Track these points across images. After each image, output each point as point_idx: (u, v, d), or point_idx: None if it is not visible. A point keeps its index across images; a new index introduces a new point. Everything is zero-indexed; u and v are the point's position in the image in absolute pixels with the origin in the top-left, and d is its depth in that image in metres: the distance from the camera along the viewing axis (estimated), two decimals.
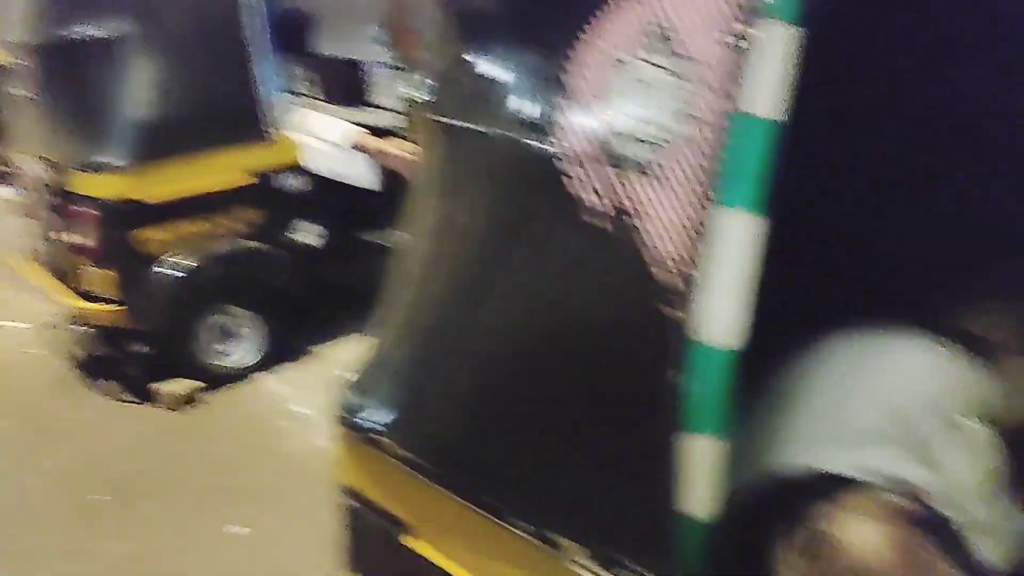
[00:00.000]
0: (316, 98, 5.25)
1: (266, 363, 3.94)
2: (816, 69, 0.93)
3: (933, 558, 0.90)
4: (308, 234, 3.99)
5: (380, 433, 1.34)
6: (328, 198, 4.01)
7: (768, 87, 0.91)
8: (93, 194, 3.51)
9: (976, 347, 1.17)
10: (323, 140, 3.98)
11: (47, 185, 3.75)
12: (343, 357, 3.98)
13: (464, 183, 1.34)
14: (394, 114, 5.03)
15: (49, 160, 3.73)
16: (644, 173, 1.00)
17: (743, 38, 0.92)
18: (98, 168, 3.47)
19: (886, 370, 1.13)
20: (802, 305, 1.14)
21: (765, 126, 0.91)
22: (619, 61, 1.03)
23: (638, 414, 1.02)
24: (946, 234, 1.35)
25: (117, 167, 3.46)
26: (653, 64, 0.99)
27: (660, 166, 0.98)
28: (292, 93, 5.30)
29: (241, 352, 3.88)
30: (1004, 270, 1.29)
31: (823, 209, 1.30)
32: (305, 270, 3.94)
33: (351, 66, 4.95)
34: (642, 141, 1.00)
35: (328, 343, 4.10)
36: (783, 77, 0.91)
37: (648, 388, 0.99)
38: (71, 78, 3.55)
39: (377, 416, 1.35)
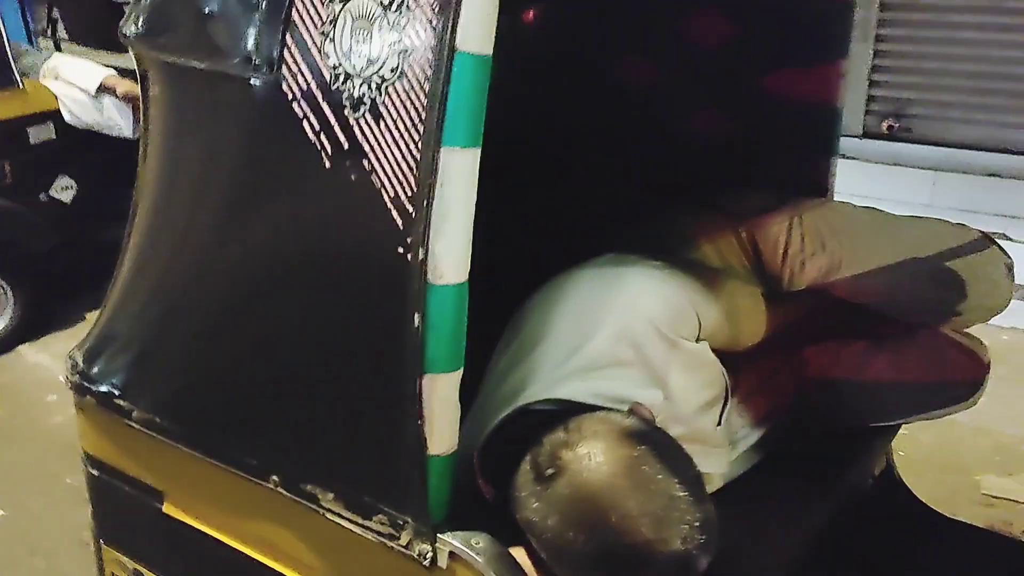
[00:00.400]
0: (71, 40, 4.82)
1: (26, 332, 3.61)
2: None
3: (654, 473, 0.96)
4: (61, 190, 3.67)
5: (117, 397, 1.25)
6: (80, 150, 3.68)
7: (479, 24, 0.90)
8: None
9: (696, 272, 1.26)
10: (73, 85, 3.64)
11: None
12: None
13: (184, 124, 1.26)
14: None
15: None
16: (370, 113, 0.98)
17: None
18: None
19: (616, 299, 1.19)
20: (532, 242, 1.17)
21: (477, 62, 0.91)
22: None
23: (379, 357, 1.01)
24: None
25: None
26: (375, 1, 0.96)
27: (386, 105, 0.96)
28: (45, 36, 4.83)
29: None
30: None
31: (540, 144, 1.34)
32: (61, 228, 3.62)
33: (101, 5, 4.55)
34: (366, 80, 0.98)
35: (96, 308, 3.81)
36: (492, 14, 0.91)
37: (385, 330, 0.98)
38: None
39: (113, 378, 1.27)
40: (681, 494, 0.96)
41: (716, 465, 1.29)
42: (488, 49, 0.91)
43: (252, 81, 1.08)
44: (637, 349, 1.15)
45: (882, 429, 1.66)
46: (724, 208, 1.39)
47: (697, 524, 0.95)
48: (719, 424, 1.31)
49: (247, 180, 1.14)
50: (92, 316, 3.71)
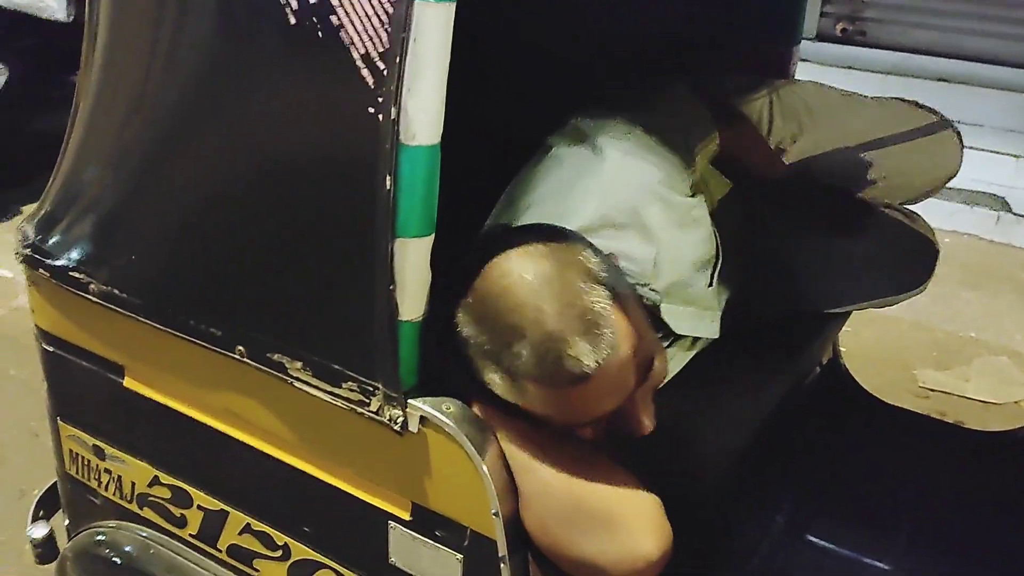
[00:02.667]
0: None
1: None
2: None
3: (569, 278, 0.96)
4: None
5: (75, 270, 1.21)
6: (9, 34, 3.48)
7: None
8: None
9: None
10: None
11: None
12: None
13: None
14: None
15: None
16: None
17: None
18: None
19: (601, 168, 1.17)
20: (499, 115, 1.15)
21: None
22: None
23: (349, 222, 0.99)
24: None
25: None
26: None
27: None
28: None
29: None
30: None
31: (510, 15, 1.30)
32: None
33: None
34: None
35: (32, 198, 3.67)
36: None
37: (357, 194, 0.96)
38: None
39: (69, 251, 1.22)
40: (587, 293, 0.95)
41: (710, 330, 1.30)
42: None
43: None
44: (632, 213, 1.15)
45: (831, 317, 1.70)
46: (697, 87, 1.38)
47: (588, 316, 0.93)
48: (710, 285, 1.32)
49: (210, 44, 1.09)
50: (27, 209, 3.62)
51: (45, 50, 3.62)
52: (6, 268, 3.31)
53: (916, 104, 1.52)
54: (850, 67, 3.71)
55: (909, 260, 1.61)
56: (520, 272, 0.97)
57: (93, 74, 1.30)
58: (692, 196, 1.27)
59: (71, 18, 3.53)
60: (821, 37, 3.78)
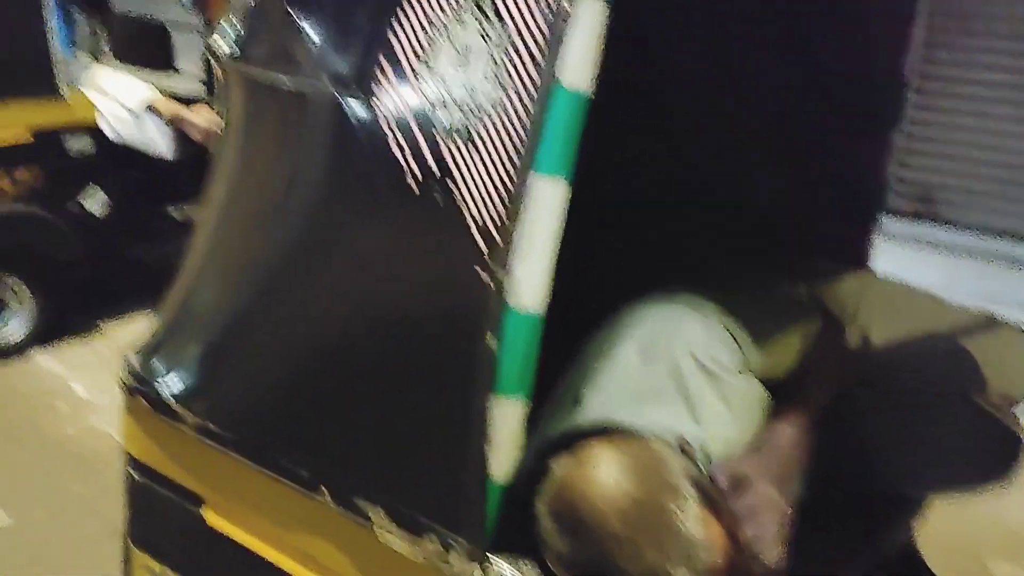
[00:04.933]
0: (113, 56, 4.90)
1: (41, 339, 3.61)
2: (623, 44, 0.98)
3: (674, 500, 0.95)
4: (92, 201, 3.70)
5: (174, 401, 1.26)
6: (117, 164, 3.73)
7: (579, 59, 0.94)
8: None
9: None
10: (116, 101, 3.70)
11: None
12: (130, 335, 3.75)
13: (273, 139, 1.29)
14: (196, 80, 4.79)
15: None
16: (462, 137, 1.00)
17: (559, 12, 0.94)
18: None
19: (661, 332, 1.19)
20: (603, 272, 1.19)
21: (576, 97, 0.95)
22: (441, 25, 1.02)
23: (448, 377, 1.03)
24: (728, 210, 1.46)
25: None
26: (473, 30, 1.00)
27: (477, 131, 0.99)
28: (86, 49, 4.91)
29: (12, 326, 3.53)
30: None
31: (623, 179, 1.37)
32: (88, 240, 3.64)
33: (153, 26, 4.64)
34: (460, 105, 1.01)
35: (114, 320, 3.83)
36: (593, 50, 0.95)
37: (459, 351, 1.00)
38: None
39: (170, 383, 1.27)
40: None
41: None
42: (587, 85, 0.94)
43: (343, 101, 1.12)
44: (679, 380, 1.16)
45: (910, 502, 1.66)
46: (783, 267, 1.42)
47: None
48: None
49: (329, 196, 1.16)
50: (106, 328, 3.76)
51: (148, 183, 3.86)
52: (82, 387, 3.40)
53: (983, 311, 1.53)
54: (920, 244, 3.74)
55: (995, 452, 1.57)
56: (610, 498, 0.94)
57: (210, 217, 1.39)
58: (756, 377, 1.28)
59: (175, 157, 3.79)
60: (892, 212, 3.83)
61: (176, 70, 4.62)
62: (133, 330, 3.79)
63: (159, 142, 3.77)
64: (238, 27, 1.36)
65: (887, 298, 1.62)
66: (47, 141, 3.45)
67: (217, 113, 3.83)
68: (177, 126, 3.78)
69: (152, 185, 3.89)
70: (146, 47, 4.69)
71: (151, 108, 3.74)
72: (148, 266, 4.27)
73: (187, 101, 4.02)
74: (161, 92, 3.88)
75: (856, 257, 1.77)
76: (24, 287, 3.51)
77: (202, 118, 3.80)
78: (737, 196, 1.69)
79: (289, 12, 1.23)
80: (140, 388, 1.31)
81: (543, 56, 0.95)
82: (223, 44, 1.38)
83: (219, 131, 3.91)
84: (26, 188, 3.42)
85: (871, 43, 1.61)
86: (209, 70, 4.72)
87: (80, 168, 3.58)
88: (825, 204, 1.73)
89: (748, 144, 1.68)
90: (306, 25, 1.20)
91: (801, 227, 1.71)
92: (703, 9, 1.57)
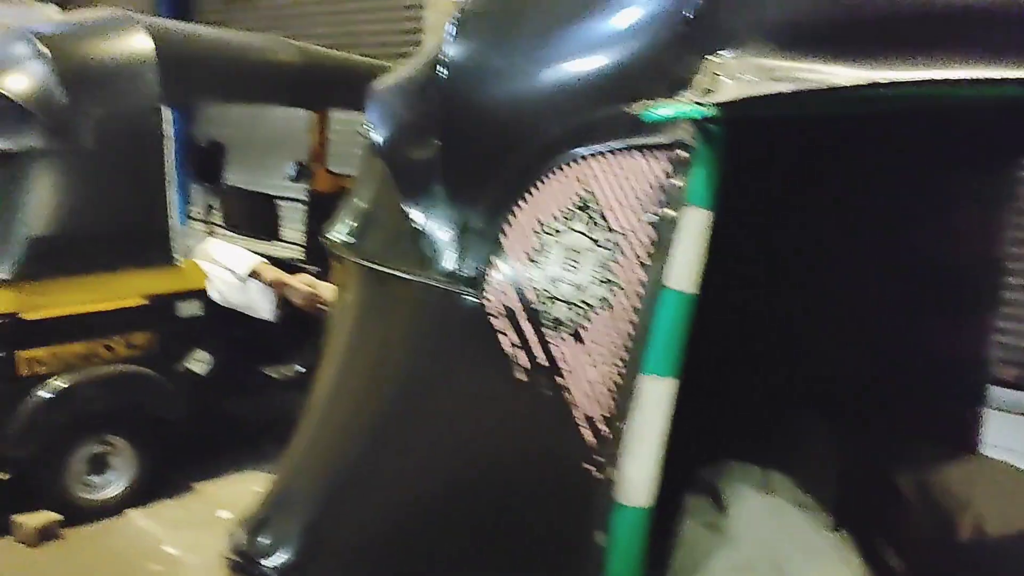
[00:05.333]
0: (223, 226, 5.26)
1: (138, 497, 3.71)
2: (726, 246, 1.02)
3: None
4: (197, 362, 3.87)
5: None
6: (221, 326, 3.92)
7: (686, 263, 0.99)
8: None
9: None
10: (223, 268, 3.94)
11: None
12: (224, 495, 3.82)
13: (385, 325, 1.36)
14: (299, 248, 5.07)
15: None
16: (571, 335, 1.05)
17: (664, 218, 1.00)
18: None
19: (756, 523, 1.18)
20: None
21: (683, 298, 0.99)
22: (552, 228, 1.09)
23: (558, 567, 1.02)
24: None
25: (2, 281, 3.30)
26: (581, 234, 1.06)
27: (586, 329, 1.03)
28: (199, 220, 5.29)
29: (112, 484, 3.64)
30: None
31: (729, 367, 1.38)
32: (190, 399, 3.79)
33: (261, 198, 4.98)
34: (570, 304, 1.06)
35: (208, 479, 3.91)
36: (699, 254, 0.99)
37: (566, 545, 1.00)
38: None
39: (277, 563, 1.30)
40: None
41: None
42: (694, 288, 0.98)
43: (453, 293, 1.18)
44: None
45: None
46: (888, 452, 1.39)
47: None
48: None
49: (438, 383, 1.21)
50: (200, 487, 3.84)
51: (248, 344, 4.04)
52: (175, 547, 3.45)
53: None
54: (1021, 413, 3.58)
55: None
56: None
57: (320, 397, 1.45)
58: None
59: (276, 319, 3.98)
60: (994, 382, 3.71)
61: (280, 239, 4.92)
62: (227, 490, 3.88)
63: (262, 306, 3.97)
64: (353, 219, 1.47)
65: (1001, 484, 1.56)
66: (160, 306, 3.66)
67: (314, 278, 4.02)
68: (279, 291, 4.00)
69: (253, 346, 4.07)
70: (253, 217, 5.03)
71: (255, 274, 3.96)
72: (245, 424, 4.42)
73: (289, 268, 4.26)
74: (265, 259, 4.13)
75: (964, 439, 1.72)
76: (128, 446, 3.64)
77: (303, 284, 4.00)
78: (836, 376, 1.68)
79: (403, 208, 1.33)
80: (246, 566, 1.34)
81: (649, 259, 0.99)
82: (339, 234, 1.49)
83: (319, 298, 4.08)
84: (139, 350, 3.61)
85: (967, 228, 1.63)
86: (310, 239, 5.02)
87: (189, 331, 3.76)
88: (926, 386, 1.71)
89: (844, 325, 1.69)
90: (420, 221, 1.29)
91: (904, 410, 1.68)
92: (800, 195, 1.63)
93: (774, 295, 1.74)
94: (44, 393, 3.35)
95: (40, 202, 3.36)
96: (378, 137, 1.38)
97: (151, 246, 3.61)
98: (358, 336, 1.41)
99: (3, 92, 3.35)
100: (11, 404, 3.30)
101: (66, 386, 3.39)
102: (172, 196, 3.65)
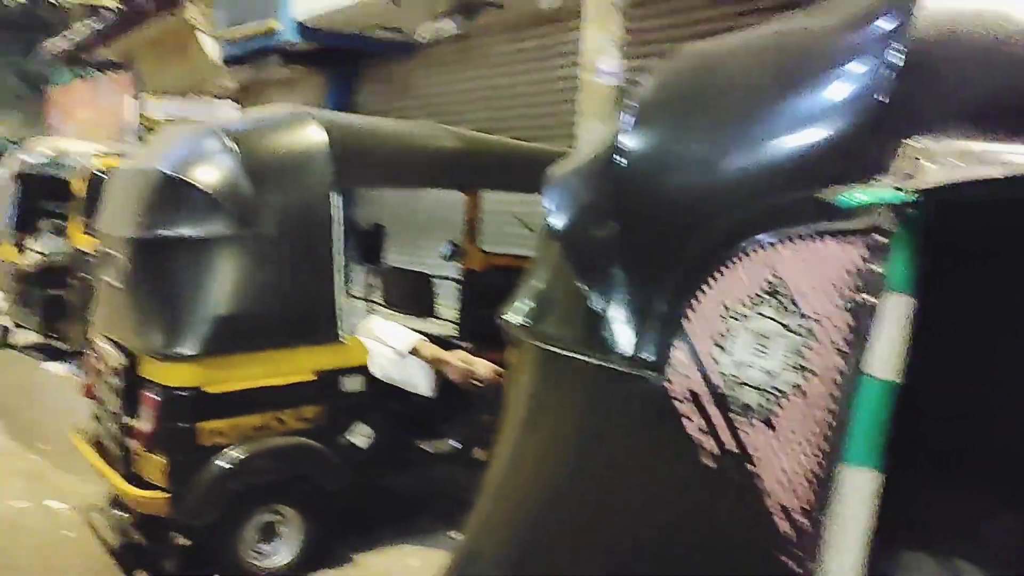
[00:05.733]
0: (382, 304, 5.50)
1: (303, 567, 3.84)
2: (929, 334, 0.99)
3: None
4: (359, 435, 4.01)
5: None
6: (381, 401, 4.06)
7: (888, 351, 0.96)
8: (159, 381, 3.59)
9: None
10: (384, 345, 4.11)
11: (115, 368, 3.86)
12: (382, 567, 3.90)
13: (563, 406, 1.37)
14: (453, 325, 5.23)
15: (122, 345, 3.87)
16: (762, 421, 1.03)
17: (862, 304, 0.98)
18: (169, 357, 3.57)
19: None
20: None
21: (885, 387, 0.96)
22: (739, 313, 1.09)
23: None
24: None
25: (187, 356, 3.56)
26: (772, 319, 1.06)
27: (779, 416, 1.02)
28: (360, 298, 5.56)
29: (280, 552, 3.79)
30: None
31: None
32: (352, 472, 3.92)
33: (418, 277, 5.20)
34: (760, 390, 1.04)
35: (368, 551, 4.01)
36: (902, 342, 0.96)
37: None
38: (158, 271, 3.74)
39: None
40: None
41: None
42: (896, 376, 0.95)
43: (633, 376, 1.19)
44: None
45: None
46: None
47: None
48: None
49: (616, 463, 1.21)
50: (359, 558, 3.94)
51: (407, 418, 4.17)
52: None
53: None
54: None
55: None
56: None
57: (496, 476, 1.48)
58: None
59: (434, 395, 4.10)
60: None
61: (436, 316, 5.11)
62: (384, 562, 3.97)
63: (420, 382, 4.11)
64: (530, 300, 1.52)
65: None
66: (327, 381, 3.84)
67: (469, 355, 4.12)
68: (437, 367, 4.12)
69: (411, 421, 4.20)
70: (411, 295, 5.25)
71: (414, 351, 4.11)
72: (402, 497, 4.53)
73: (445, 344, 4.39)
74: (420, 334, 4.28)
75: None
76: (296, 515, 3.80)
77: (459, 361, 4.11)
78: None
79: (580, 291, 1.36)
80: None
81: (847, 345, 0.97)
82: (516, 316, 1.53)
83: (474, 375, 4.19)
84: (307, 423, 3.79)
85: None
86: (463, 316, 5.17)
87: (352, 405, 3.92)
88: None
89: None
90: (598, 304, 1.32)
91: None
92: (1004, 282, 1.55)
93: (973, 382, 1.65)
94: (223, 463, 3.55)
95: (224, 284, 3.63)
96: (556, 221, 1.42)
97: (320, 324, 3.81)
98: (533, 417, 1.44)
99: (195, 183, 3.68)
100: (193, 473, 3.53)
101: (242, 456, 3.59)
102: (340, 277, 3.86)
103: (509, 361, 1.60)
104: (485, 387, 4.18)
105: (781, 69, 1.21)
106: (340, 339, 3.87)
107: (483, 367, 4.16)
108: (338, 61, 9.33)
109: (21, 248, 8.24)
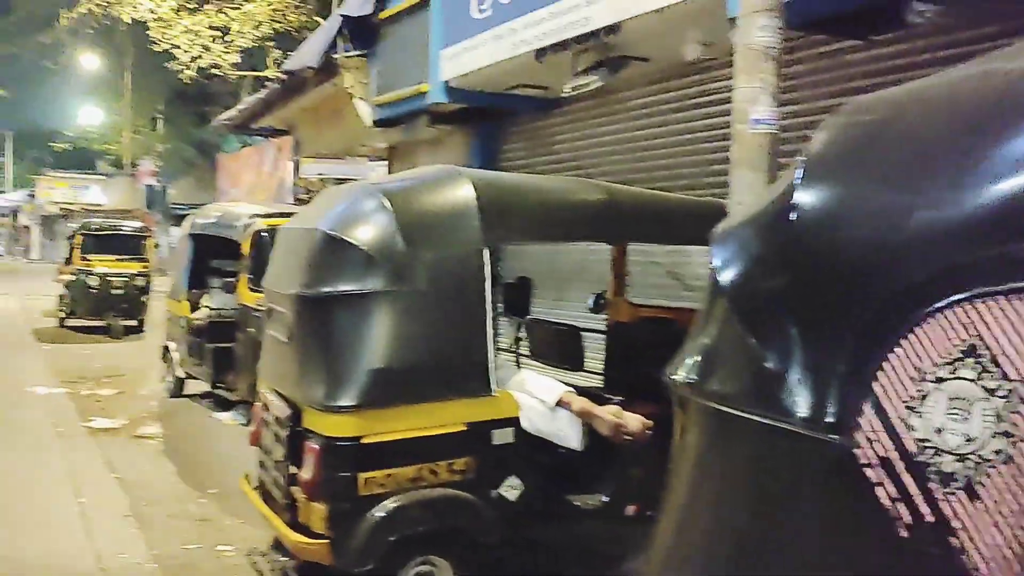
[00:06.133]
0: (529, 357, 5.55)
1: None
2: None
3: None
4: (509, 488, 4.03)
5: None
6: (532, 454, 4.07)
7: None
8: (321, 431, 3.74)
9: None
10: (533, 397, 4.13)
11: (279, 419, 4.06)
12: None
13: (732, 470, 1.33)
14: (599, 377, 5.21)
15: (286, 396, 4.07)
16: (962, 489, 0.97)
17: None
18: (330, 408, 3.72)
19: None
20: None
21: None
22: (932, 375, 1.03)
23: None
24: None
25: (347, 408, 3.70)
26: (971, 382, 0.99)
27: (984, 486, 0.95)
28: (507, 351, 5.63)
29: None
30: None
31: None
32: (502, 524, 3.93)
33: (565, 330, 5.22)
34: (960, 457, 0.98)
35: None
36: None
37: None
38: (319, 326, 3.92)
39: None
40: None
41: None
42: None
43: (814, 439, 1.14)
44: None
45: None
46: None
47: None
48: None
49: (794, 530, 1.16)
50: None
51: (555, 470, 4.16)
52: None
53: None
54: None
55: None
56: None
57: (665, 539, 1.45)
58: None
59: (584, 448, 4.07)
60: None
61: (584, 369, 5.10)
62: None
63: (569, 435, 4.09)
64: (697, 357, 1.49)
65: None
66: (478, 433, 3.89)
67: (618, 407, 4.08)
68: (586, 420, 4.10)
69: (560, 474, 4.18)
70: (559, 348, 5.26)
71: (564, 403, 4.10)
72: (550, 552, 4.50)
73: (595, 397, 4.37)
74: (567, 386, 4.27)
75: None
76: (449, 567, 3.84)
77: (610, 415, 4.07)
78: None
79: (752, 349, 1.32)
80: None
81: None
82: (682, 373, 1.51)
83: (625, 429, 4.14)
84: (458, 475, 3.84)
85: None
86: (609, 369, 5.15)
87: (502, 457, 3.95)
88: None
89: None
90: (771, 363, 1.28)
91: None
92: None
93: None
94: (380, 512, 3.65)
95: (381, 338, 3.76)
96: (725, 277, 1.40)
97: (472, 377, 3.88)
98: (700, 480, 1.41)
99: (353, 242, 3.85)
100: (352, 521, 3.64)
101: (398, 506, 3.67)
102: (491, 330, 3.93)
103: (673, 418, 1.58)
104: (635, 441, 4.13)
105: (969, 117, 1.15)
106: (491, 392, 3.92)
107: (634, 421, 4.11)
108: (482, 119, 9.62)
109: (194, 304, 8.87)
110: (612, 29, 6.07)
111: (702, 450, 1.42)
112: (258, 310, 6.26)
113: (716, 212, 4.76)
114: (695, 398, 1.44)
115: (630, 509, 4.27)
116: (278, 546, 4.29)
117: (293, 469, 3.89)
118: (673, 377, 1.53)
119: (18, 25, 24.33)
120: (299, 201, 17.41)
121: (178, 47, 19.24)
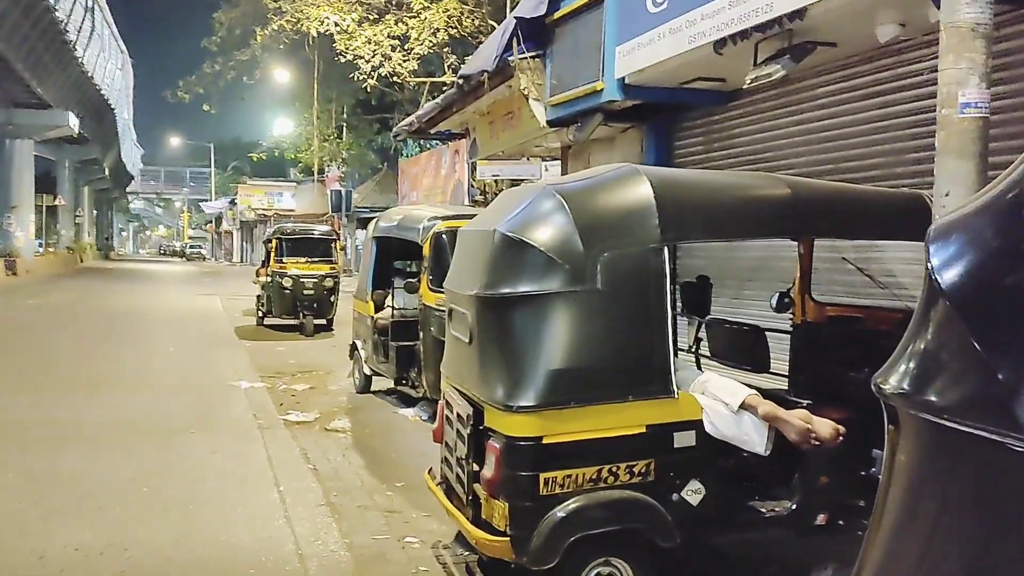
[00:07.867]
0: (710, 358, 5.41)
1: None
2: None
3: None
4: (690, 492, 3.93)
5: None
6: (713, 458, 3.95)
7: None
8: (502, 431, 3.79)
9: None
10: (717, 400, 4.00)
11: (462, 417, 4.15)
12: None
13: (952, 488, 1.22)
14: (783, 379, 4.99)
15: (468, 395, 4.16)
16: None
17: None
18: (511, 408, 3.76)
19: None
20: None
21: None
22: None
23: None
24: None
25: (528, 408, 3.73)
26: None
27: None
28: (686, 352, 5.51)
29: None
30: None
31: None
32: (682, 529, 3.84)
33: (749, 330, 5.04)
34: None
35: None
36: None
37: None
38: (500, 326, 3.97)
39: None
40: None
41: None
42: None
43: None
44: None
45: None
46: None
47: None
48: None
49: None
50: None
51: (739, 476, 4.02)
52: None
53: None
54: None
55: None
56: None
57: (873, 553, 1.35)
58: None
59: (767, 452, 3.90)
60: None
61: (770, 371, 4.90)
62: None
63: (754, 439, 3.93)
64: (911, 365, 1.37)
65: None
66: (659, 435, 3.81)
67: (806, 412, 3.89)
68: (772, 424, 3.93)
69: (744, 479, 4.03)
70: (742, 349, 5.09)
71: (749, 407, 3.95)
72: (732, 558, 4.36)
73: (781, 401, 4.18)
74: (752, 388, 4.11)
75: None
76: (629, 569, 3.79)
77: (799, 420, 3.88)
78: None
79: (978, 353, 1.20)
80: None
81: None
82: (893, 381, 1.40)
83: (814, 435, 3.94)
84: (638, 477, 3.78)
85: None
86: (794, 371, 4.91)
87: (683, 461, 3.86)
88: None
89: None
90: (1004, 368, 1.16)
91: None
92: None
93: None
94: (561, 512, 3.66)
95: (560, 338, 3.77)
96: (946, 277, 1.28)
97: (652, 378, 3.81)
98: (915, 498, 1.30)
99: (532, 243, 3.88)
100: (534, 520, 3.67)
101: (579, 506, 3.67)
102: (671, 331, 3.85)
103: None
104: (825, 448, 3.92)
105: None
106: (672, 393, 3.84)
107: (825, 427, 3.91)
108: (655, 115, 9.47)
109: (378, 304, 9.28)
110: (797, 14, 5.79)
111: (916, 466, 1.31)
112: (439, 309, 6.45)
113: (914, 205, 4.43)
114: (909, 409, 1.34)
115: (820, 518, 4.06)
116: (461, 540, 4.40)
117: (475, 467, 3.97)
118: (882, 386, 1.42)
119: (219, 45, 26.53)
120: (475, 202, 17.84)
121: (361, 57, 20.26)
